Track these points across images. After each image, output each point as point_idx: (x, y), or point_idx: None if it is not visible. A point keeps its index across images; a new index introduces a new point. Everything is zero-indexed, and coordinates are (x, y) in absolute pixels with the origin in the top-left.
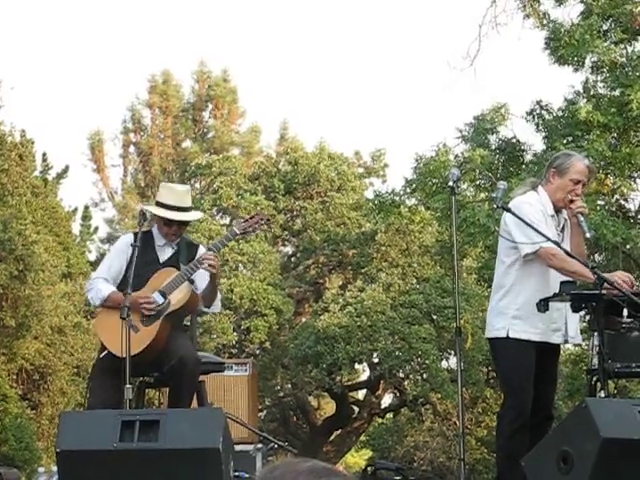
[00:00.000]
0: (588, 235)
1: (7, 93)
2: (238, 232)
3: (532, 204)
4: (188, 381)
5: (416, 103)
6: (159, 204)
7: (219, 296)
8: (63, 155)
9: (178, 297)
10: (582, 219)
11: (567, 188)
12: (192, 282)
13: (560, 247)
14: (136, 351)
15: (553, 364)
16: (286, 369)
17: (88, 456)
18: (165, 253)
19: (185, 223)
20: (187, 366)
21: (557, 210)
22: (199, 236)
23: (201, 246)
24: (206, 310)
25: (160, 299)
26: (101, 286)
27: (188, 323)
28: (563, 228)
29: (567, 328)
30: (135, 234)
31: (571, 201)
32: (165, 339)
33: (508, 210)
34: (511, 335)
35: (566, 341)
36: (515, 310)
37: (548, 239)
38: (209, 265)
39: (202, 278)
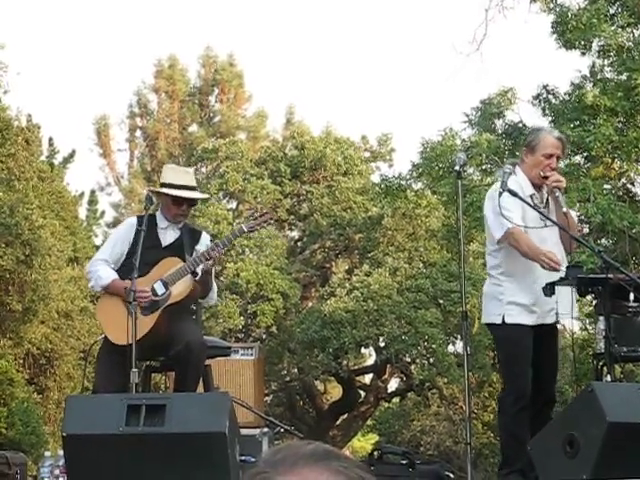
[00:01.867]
0: (564, 209)
1: (13, 78)
2: (245, 230)
3: (505, 199)
4: (194, 366)
5: (423, 87)
6: (166, 185)
7: (215, 288)
8: (69, 140)
9: (179, 290)
10: (558, 194)
11: (541, 164)
12: (195, 274)
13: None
14: (130, 340)
15: (552, 345)
16: (292, 353)
17: (94, 440)
18: (168, 237)
19: (194, 202)
20: (193, 351)
21: (538, 187)
22: (205, 220)
23: (204, 233)
24: (200, 301)
25: (161, 289)
26: (101, 273)
27: (194, 307)
28: (547, 203)
29: (557, 306)
30: (139, 217)
31: (545, 177)
32: (164, 329)
33: (515, 194)
34: (507, 321)
35: (557, 321)
36: (510, 296)
37: (513, 224)
38: (212, 262)
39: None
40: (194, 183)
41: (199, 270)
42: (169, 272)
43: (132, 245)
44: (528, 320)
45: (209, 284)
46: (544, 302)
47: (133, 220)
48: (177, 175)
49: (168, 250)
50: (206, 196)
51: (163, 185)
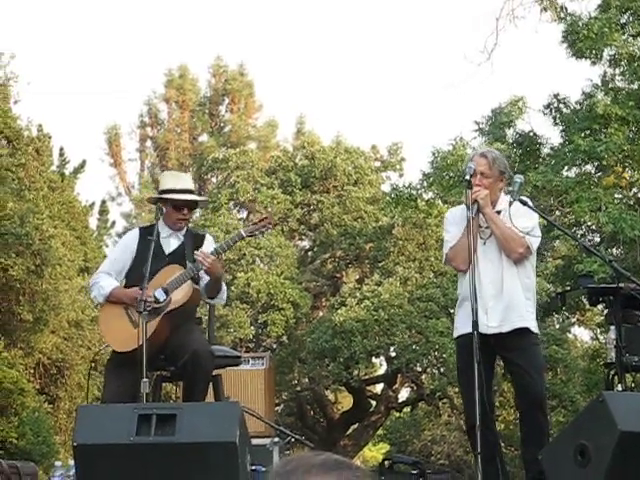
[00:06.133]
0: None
1: (24, 88)
2: (244, 235)
3: (445, 217)
4: (202, 375)
5: (433, 96)
6: (165, 192)
7: (224, 288)
8: (80, 149)
9: (179, 296)
10: (475, 206)
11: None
12: (197, 281)
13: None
14: (133, 346)
15: (512, 353)
16: (303, 363)
17: (105, 450)
18: (170, 245)
19: (195, 206)
20: (200, 360)
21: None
22: (216, 230)
23: (207, 235)
24: (210, 301)
25: (162, 296)
26: (103, 283)
27: (204, 316)
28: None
29: (488, 318)
30: (141, 228)
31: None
32: (168, 335)
33: (524, 203)
34: (454, 335)
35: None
36: (458, 308)
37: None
38: (202, 264)
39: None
40: (192, 186)
41: (202, 275)
42: (169, 280)
43: (136, 256)
44: (464, 330)
45: (217, 285)
46: (482, 311)
47: (135, 232)
48: (174, 180)
49: (171, 258)
50: (205, 199)
51: (161, 192)
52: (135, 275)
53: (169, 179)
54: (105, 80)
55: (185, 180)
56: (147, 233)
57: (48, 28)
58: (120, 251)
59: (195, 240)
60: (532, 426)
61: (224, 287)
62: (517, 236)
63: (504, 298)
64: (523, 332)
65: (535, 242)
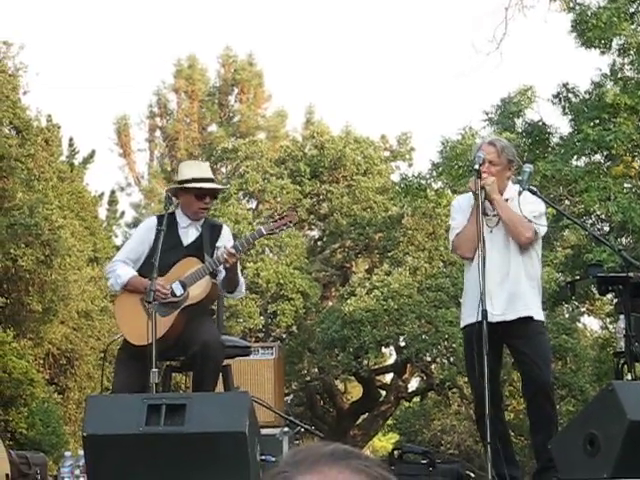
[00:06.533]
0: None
1: (33, 78)
2: (265, 232)
3: (452, 204)
4: (211, 366)
5: (442, 86)
6: (186, 181)
7: (242, 282)
8: (89, 140)
9: (197, 292)
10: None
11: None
12: (215, 275)
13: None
14: (150, 340)
15: (518, 342)
16: (313, 353)
17: (114, 440)
18: (189, 236)
19: (216, 194)
20: (210, 351)
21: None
22: (225, 220)
23: (225, 227)
24: (228, 295)
25: (180, 290)
26: (120, 271)
27: (214, 307)
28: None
29: (493, 307)
30: (159, 217)
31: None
32: (182, 329)
33: (534, 193)
34: (461, 324)
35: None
36: (465, 297)
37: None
38: (225, 261)
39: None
40: (212, 175)
41: (221, 269)
42: (187, 273)
43: (153, 245)
44: (472, 320)
45: (235, 279)
46: (487, 302)
47: (153, 220)
48: (194, 169)
49: (189, 249)
50: (226, 187)
51: (183, 182)
52: (149, 265)
53: (190, 168)
54: (114, 70)
55: (206, 169)
56: (165, 221)
57: (57, 18)
58: (137, 240)
59: (212, 231)
60: (539, 415)
61: (242, 280)
62: (524, 221)
63: (509, 286)
64: (527, 320)
65: (542, 230)
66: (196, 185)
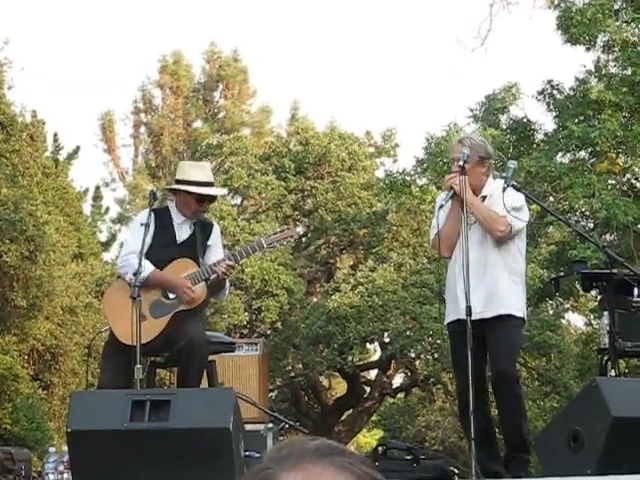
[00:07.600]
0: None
1: (18, 74)
2: (265, 245)
3: (436, 201)
4: (197, 363)
5: (427, 82)
6: (187, 182)
7: (227, 285)
8: (74, 135)
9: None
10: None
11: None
12: (207, 281)
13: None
14: (142, 342)
15: (490, 335)
16: (297, 349)
17: (99, 436)
18: (183, 233)
19: (215, 198)
20: (195, 347)
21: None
22: (210, 216)
23: (215, 226)
24: (212, 297)
25: (172, 293)
26: (138, 265)
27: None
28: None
29: (472, 304)
30: (152, 211)
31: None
32: (170, 331)
33: (518, 189)
34: (445, 322)
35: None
36: (447, 294)
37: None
38: (223, 274)
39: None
40: (213, 179)
41: (213, 277)
42: (182, 275)
43: (143, 240)
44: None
45: (223, 284)
46: (465, 299)
47: (146, 212)
48: (197, 172)
49: (182, 247)
50: (225, 191)
51: (183, 182)
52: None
53: (192, 170)
54: (99, 66)
55: (208, 173)
56: (160, 215)
57: (42, 14)
58: (139, 230)
59: (204, 230)
60: (500, 403)
61: (227, 285)
62: (497, 216)
63: (486, 284)
64: (505, 318)
65: (518, 224)
66: (199, 191)
